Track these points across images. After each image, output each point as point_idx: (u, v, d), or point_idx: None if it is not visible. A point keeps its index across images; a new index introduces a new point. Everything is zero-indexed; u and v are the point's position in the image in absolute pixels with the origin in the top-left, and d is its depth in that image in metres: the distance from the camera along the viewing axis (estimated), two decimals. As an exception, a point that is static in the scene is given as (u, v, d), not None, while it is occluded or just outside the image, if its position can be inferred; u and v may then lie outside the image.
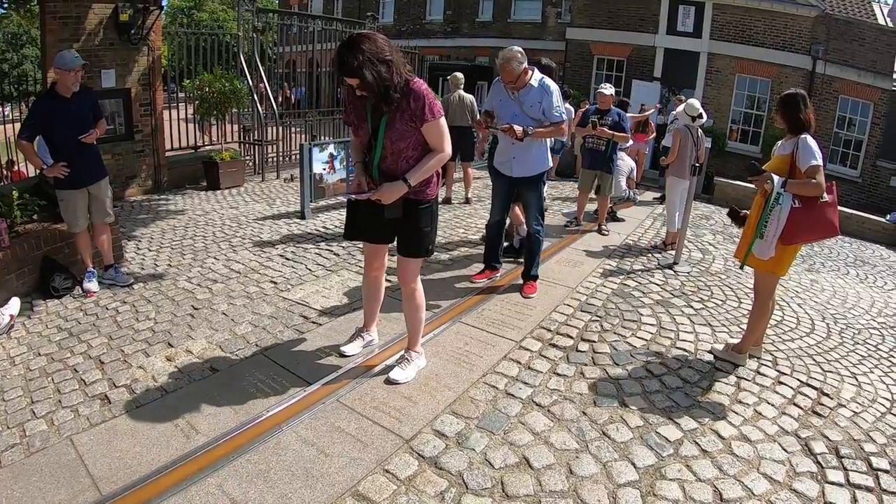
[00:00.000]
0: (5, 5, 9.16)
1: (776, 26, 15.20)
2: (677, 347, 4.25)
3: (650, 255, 6.77)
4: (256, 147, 11.01)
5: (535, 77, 4.70)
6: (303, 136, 12.33)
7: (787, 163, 3.74)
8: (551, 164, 5.12)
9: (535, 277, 5.17)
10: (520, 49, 4.61)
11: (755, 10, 15.30)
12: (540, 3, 21.63)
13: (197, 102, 10.45)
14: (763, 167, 3.86)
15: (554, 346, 4.14)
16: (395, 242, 3.45)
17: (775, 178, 3.64)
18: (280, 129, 11.21)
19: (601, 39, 17.52)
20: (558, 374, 3.73)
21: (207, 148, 10.87)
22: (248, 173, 10.60)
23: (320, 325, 4.34)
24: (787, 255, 3.81)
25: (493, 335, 4.22)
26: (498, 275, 5.42)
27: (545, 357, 3.96)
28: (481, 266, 5.46)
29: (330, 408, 3.22)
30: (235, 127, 11.63)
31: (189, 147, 10.86)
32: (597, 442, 3.04)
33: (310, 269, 5.61)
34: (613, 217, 8.29)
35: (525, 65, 4.59)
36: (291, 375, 3.56)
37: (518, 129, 4.57)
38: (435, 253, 6.11)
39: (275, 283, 5.21)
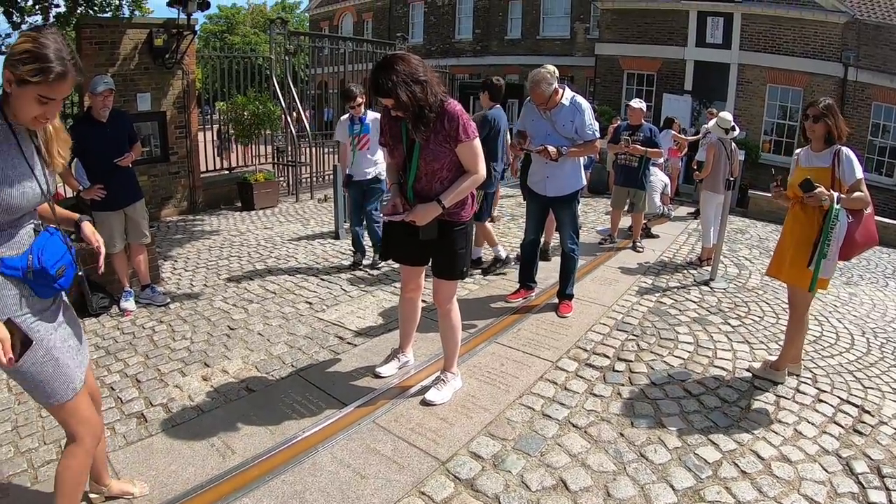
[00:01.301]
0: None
1: (806, 34, 14.99)
2: (715, 366, 4.16)
3: (686, 271, 6.67)
4: (290, 168, 11.17)
5: (567, 95, 4.69)
6: (335, 156, 12.46)
7: (828, 176, 3.59)
8: (585, 183, 5.09)
9: (571, 297, 5.12)
10: (549, 69, 4.60)
11: (784, 18, 15.12)
12: (568, 19, 21.69)
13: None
14: (783, 180, 3.80)
15: (590, 366, 4.08)
16: (431, 264, 3.45)
17: (834, 194, 3.46)
18: (313, 149, 11.36)
19: (630, 54, 17.49)
20: (595, 395, 3.68)
21: (242, 169, 11.05)
22: (282, 194, 10.76)
23: (356, 345, 4.36)
24: None
25: (529, 355, 4.18)
26: (533, 294, 5.38)
27: (581, 377, 3.91)
28: (516, 286, 5.42)
29: (365, 429, 3.22)
30: (268, 148, 11.82)
31: (224, 168, 11.09)
32: (634, 464, 2.99)
33: (345, 290, 5.65)
34: (648, 233, 8.20)
35: (555, 85, 4.59)
36: (327, 396, 3.56)
37: (552, 149, 4.57)
38: (470, 272, 6.12)
39: (310, 303, 5.25)
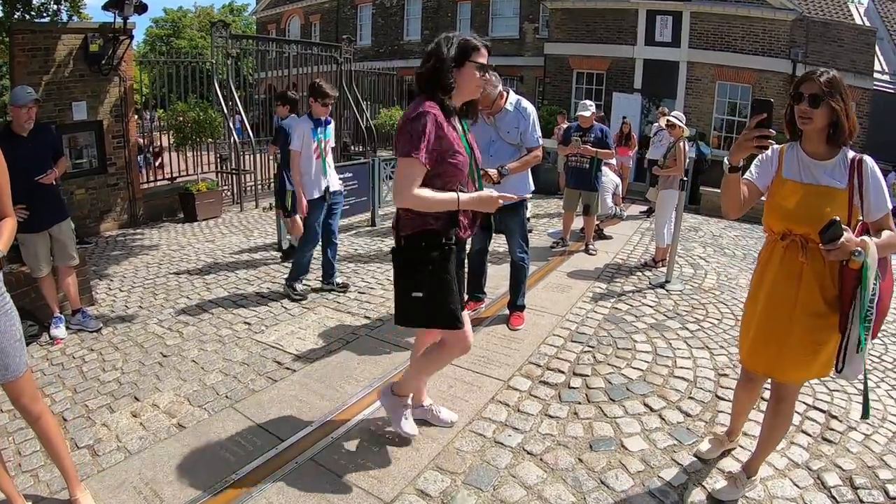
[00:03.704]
0: None
1: (754, 32, 15.23)
2: (675, 376, 4.00)
3: (641, 273, 6.56)
4: (234, 176, 10.78)
5: (511, 100, 4.48)
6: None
7: (844, 202, 2.33)
8: (532, 188, 4.89)
9: (522, 307, 4.93)
10: (493, 72, 4.40)
11: (732, 16, 15.32)
12: (517, 19, 21.65)
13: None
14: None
15: (545, 383, 3.87)
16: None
17: (869, 243, 2.20)
18: (257, 156, 10.98)
19: (579, 53, 17.45)
20: (550, 416, 3.46)
21: (184, 179, 10.63)
22: (227, 203, 10.38)
23: (294, 371, 4.07)
24: None
25: (480, 375, 3.95)
26: (482, 306, 5.18)
27: (535, 397, 3.69)
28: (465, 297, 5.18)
29: (303, 468, 2.96)
30: (211, 156, 11.42)
31: (165, 178, 10.66)
32: (595, 493, 2.80)
33: (285, 308, 5.36)
34: (601, 235, 8.10)
35: (500, 87, 4.38)
36: (262, 431, 3.29)
37: (493, 172, 4.24)
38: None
39: (248, 323, 4.96)
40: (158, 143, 12.49)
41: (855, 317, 2.25)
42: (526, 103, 4.53)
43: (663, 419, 3.44)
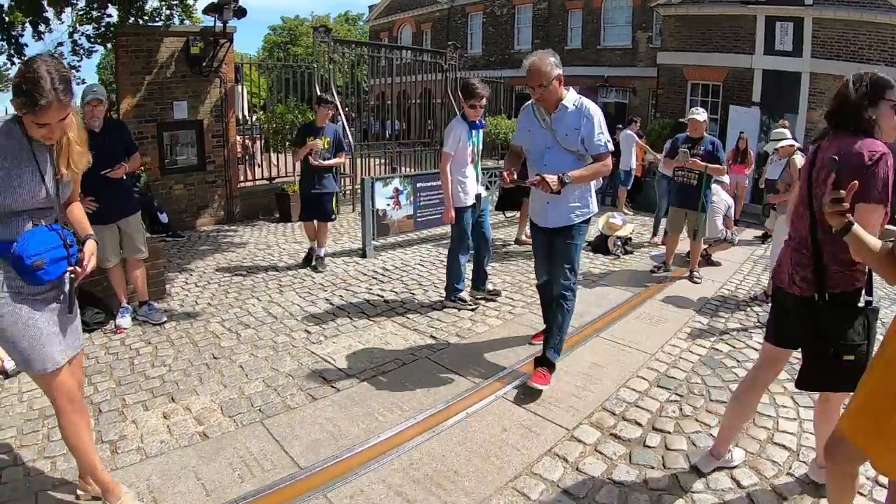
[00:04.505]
0: (91, 39, 9.61)
1: (882, 39, 13.51)
2: (775, 442, 3.24)
3: (749, 308, 5.71)
4: (332, 179, 10.82)
5: (571, 98, 3.75)
6: (384, 167, 12.14)
7: None
8: (595, 209, 4.02)
9: (552, 365, 3.86)
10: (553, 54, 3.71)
11: (858, 22, 13.71)
12: (630, 27, 20.78)
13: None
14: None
15: (616, 437, 3.24)
16: None
17: None
18: (358, 160, 11.02)
19: (694, 63, 16.31)
20: (614, 482, 2.82)
21: (281, 180, 10.77)
22: (325, 205, 10.39)
23: (338, 390, 3.73)
24: None
25: (541, 418, 3.40)
26: None
27: (601, 454, 3.07)
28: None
29: (311, 504, 2.61)
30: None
31: (264, 178, 10.86)
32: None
33: (351, 318, 5.08)
34: (708, 261, 7.31)
35: (559, 70, 3.64)
36: (283, 455, 2.98)
37: (552, 178, 3.49)
38: (495, 303, 5.50)
39: (309, 332, 4.73)
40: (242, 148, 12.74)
41: None
42: (589, 103, 3.77)
43: (752, 501, 2.74)
